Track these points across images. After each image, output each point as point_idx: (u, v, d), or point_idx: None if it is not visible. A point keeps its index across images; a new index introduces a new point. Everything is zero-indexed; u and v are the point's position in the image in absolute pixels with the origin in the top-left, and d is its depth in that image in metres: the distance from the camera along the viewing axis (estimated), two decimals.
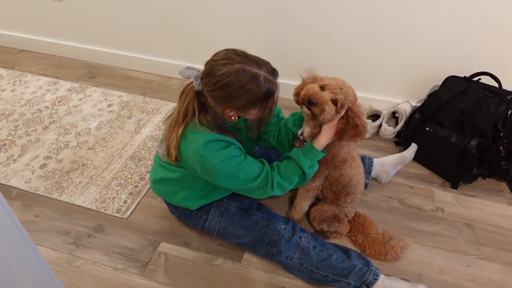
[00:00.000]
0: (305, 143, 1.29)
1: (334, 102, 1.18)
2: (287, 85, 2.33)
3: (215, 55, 1.09)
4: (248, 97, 1.06)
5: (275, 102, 1.17)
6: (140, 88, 2.43)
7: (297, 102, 1.26)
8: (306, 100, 1.17)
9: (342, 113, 1.20)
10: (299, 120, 1.38)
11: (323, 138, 1.23)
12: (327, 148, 1.27)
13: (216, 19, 2.18)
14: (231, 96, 1.06)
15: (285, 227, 1.32)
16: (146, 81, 2.50)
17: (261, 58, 1.10)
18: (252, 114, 1.15)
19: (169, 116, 1.25)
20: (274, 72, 1.11)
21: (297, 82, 2.32)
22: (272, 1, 2.01)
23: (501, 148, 1.77)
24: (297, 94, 1.27)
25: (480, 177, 1.83)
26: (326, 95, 1.17)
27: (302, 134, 1.32)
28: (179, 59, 2.44)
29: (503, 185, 1.81)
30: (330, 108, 1.16)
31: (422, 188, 1.78)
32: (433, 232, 1.57)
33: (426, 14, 1.82)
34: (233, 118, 1.17)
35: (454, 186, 1.78)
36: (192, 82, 1.13)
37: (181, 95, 1.18)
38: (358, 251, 1.46)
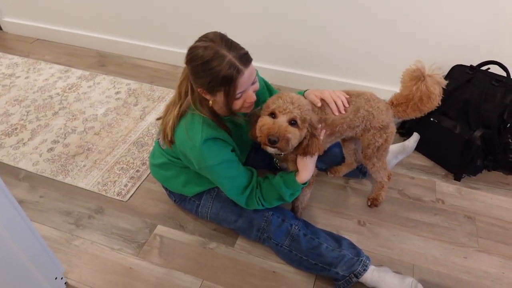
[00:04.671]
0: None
1: (293, 121, 1.10)
2: (293, 74, 2.33)
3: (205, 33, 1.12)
4: (209, 75, 1.05)
5: (249, 94, 1.13)
6: (148, 76, 2.47)
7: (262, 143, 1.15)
8: (266, 140, 1.09)
9: (306, 126, 1.13)
10: None
11: (304, 175, 1.24)
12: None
13: (223, 9, 2.18)
14: (196, 71, 1.07)
15: (272, 213, 1.33)
16: (154, 70, 2.54)
17: (239, 44, 1.08)
18: (220, 99, 1.11)
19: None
20: (244, 59, 1.06)
21: (303, 72, 2.28)
22: None
23: (510, 140, 1.72)
24: (253, 135, 1.20)
25: (485, 170, 1.78)
26: (282, 122, 1.09)
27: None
28: (186, 48, 2.46)
29: (510, 178, 1.76)
30: (293, 133, 1.09)
31: (423, 179, 1.76)
32: (431, 223, 1.55)
33: (435, 2, 1.77)
34: (210, 103, 1.16)
35: (457, 178, 1.75)
36: None
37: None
38: None
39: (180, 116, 1.19)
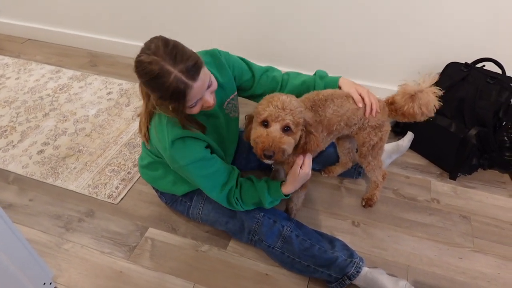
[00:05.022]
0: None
1: (287, 127, 1.07)
2: None
3: (148, 41, 1.01)
4: (158, 92, 1.00)
5: (205, 99, 1.07)
6: None
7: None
8: (261, 155, 1.07)
9: (300, 128, 1.11)
10: (331, 85, 1.35)
11: (290, 187, 1.23)
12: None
13: (222, 9, 2.15)
14: (146, 86, 1.02)
15: (263, 214, 1.31)
16: None
17: (185, 52, 0.99)
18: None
19: None
20: (192, 72, 0.98)
21: (301, 71, 2.26)
22: None
23: (505, 138, 1.70)
24: (247, 138, 1.18)
25: (480, 168, 1.76)
26: (275, 131, 1.06)
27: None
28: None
29: (506, 177, 1.74)
30: (288, 143, 1.06)
31: (418, 179, 1.74)
32: (425, 223, 1.53)
33: (434, 2, 1.75)
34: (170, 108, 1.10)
35: (453, 177, 1.73)
36: None
37: None
38: None
39: (149, 114, 1.16)
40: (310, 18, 2.02)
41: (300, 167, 1.19)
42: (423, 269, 1.37)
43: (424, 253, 1.42)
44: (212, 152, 1.21)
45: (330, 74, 2.19)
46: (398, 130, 1.95)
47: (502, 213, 1.58)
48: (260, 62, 1.41)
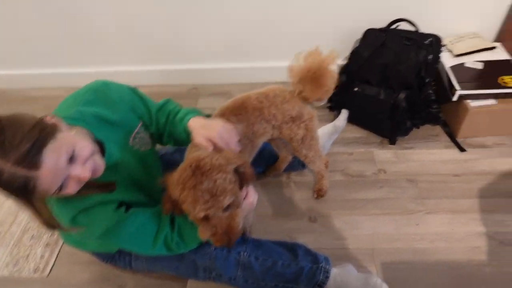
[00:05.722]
0: None
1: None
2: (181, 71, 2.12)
3: None
4: (5, 195, 0.76)
5: (75, 176, 0.82)
6: (46, 108, 2.11)
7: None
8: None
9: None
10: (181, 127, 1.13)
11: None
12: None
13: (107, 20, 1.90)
14: None
15: (214, 248, 1.18)
16: (51, 98, 2.18)
17: (20, 130, 0.75)
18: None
19: None
20: (30, 158, 0.74)
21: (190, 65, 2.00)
22: None
23: (430, 91, 1.72)
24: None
25: (415, 128, 1.79)
26: (221, 222, 0.89)
27: None
28: (82, 66, 2.15)
29: (438, 129, 1.79)
30: (239, 219, 0.93)
31: (361, 152, 1.72)
32: (377, 198, 1.52)
33: None
34: None
35: (392, 142, 1.74)
36: None
37: None
38: None
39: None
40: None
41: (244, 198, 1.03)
42: (386, 248, 1.36)
43: (383, 230, 1.42)
44: (129, 206, 1.02)
45: (219, 62, 2.05)
46: (332, 106, 1.91)
47: (442, 166, 1.62)
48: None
